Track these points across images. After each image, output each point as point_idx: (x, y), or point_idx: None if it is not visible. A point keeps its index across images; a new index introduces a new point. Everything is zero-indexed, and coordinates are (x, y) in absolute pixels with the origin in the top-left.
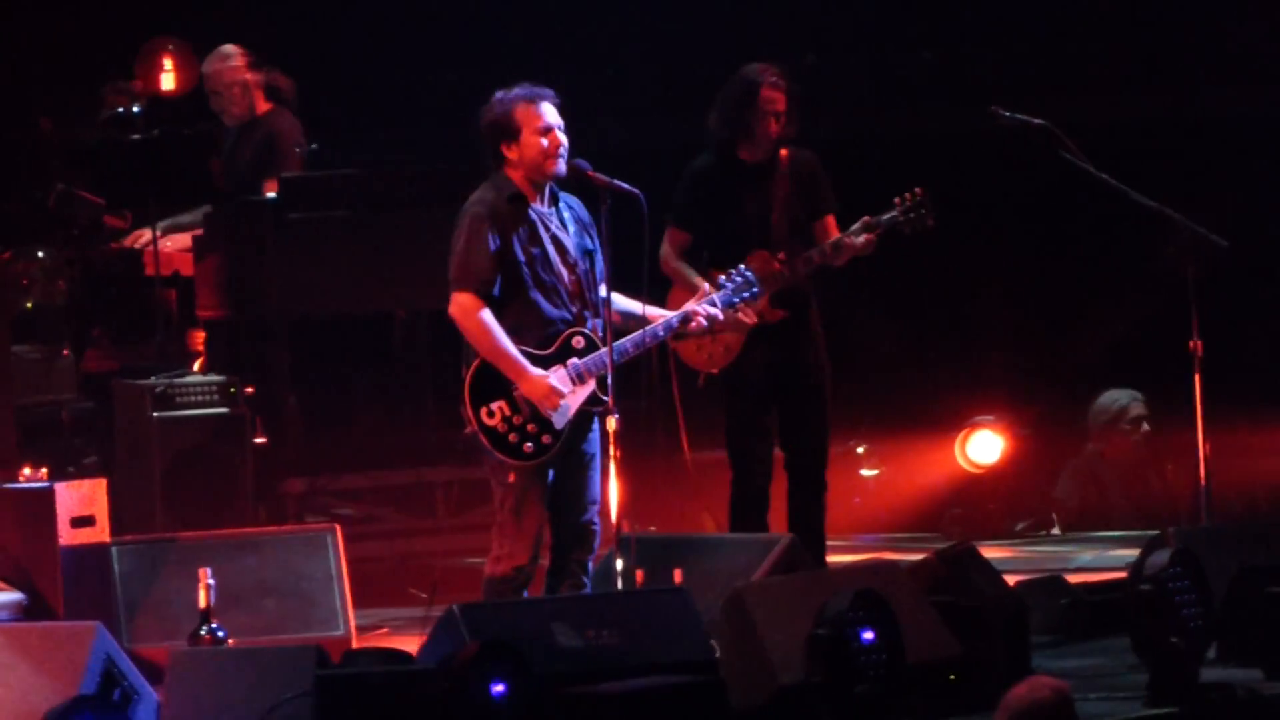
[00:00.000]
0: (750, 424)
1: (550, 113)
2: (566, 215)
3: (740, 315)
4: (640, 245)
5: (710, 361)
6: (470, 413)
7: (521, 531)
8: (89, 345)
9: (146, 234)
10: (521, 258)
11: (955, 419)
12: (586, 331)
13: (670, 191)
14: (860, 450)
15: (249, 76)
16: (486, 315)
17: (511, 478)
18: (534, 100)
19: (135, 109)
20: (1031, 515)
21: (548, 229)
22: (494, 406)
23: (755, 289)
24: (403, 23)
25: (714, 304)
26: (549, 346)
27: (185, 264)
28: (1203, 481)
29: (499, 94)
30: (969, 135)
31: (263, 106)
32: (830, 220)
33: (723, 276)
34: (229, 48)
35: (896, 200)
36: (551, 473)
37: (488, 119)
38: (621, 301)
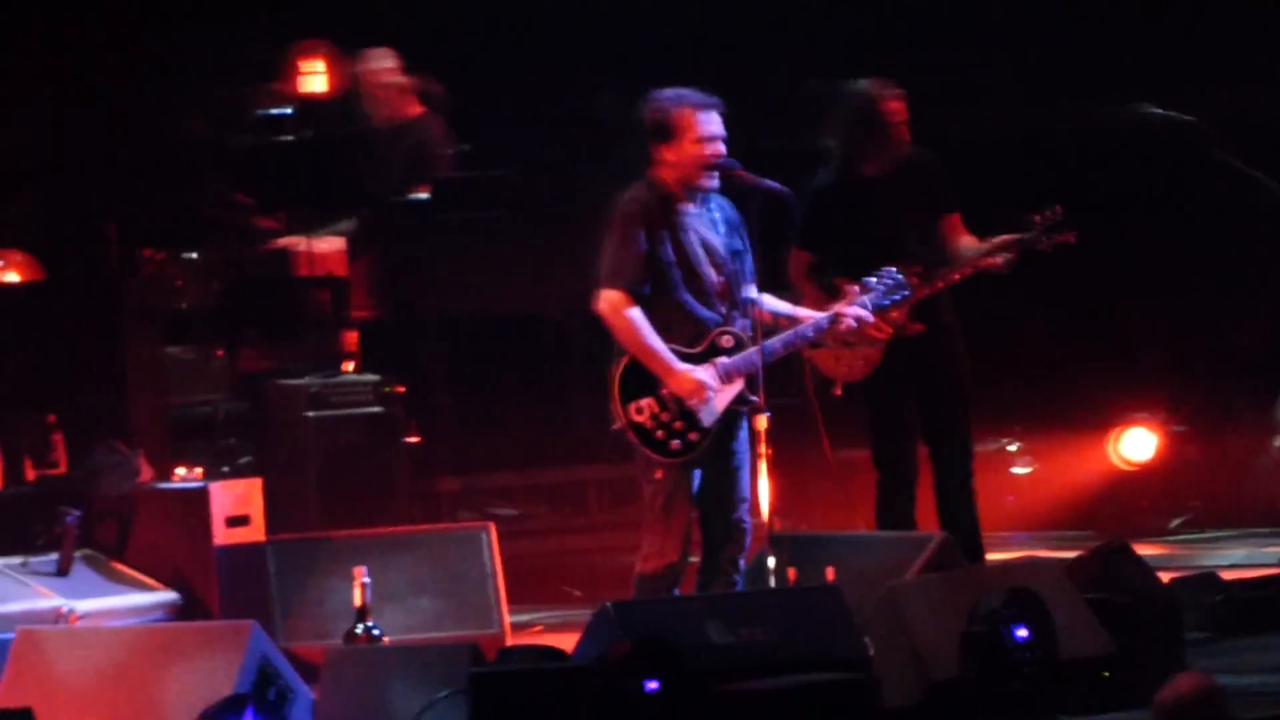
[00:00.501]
0: (892, 423)
1: (715, 122)
2: (717, 215)
3: (873, 331)
4: (788, 244)
5: (849, 374)
6: (618, 409)
7: (670, 528)
8: (243, 346)
9: (299, 235)
10: (671, 258)
11: (1108, 416)
12: (735, 331)
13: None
14: (1013, 448)
15: (402, 79)
16: (635, 312)
17: (659, 474)
18: (701, 107)
19: (287, 111)
20: (1186, 512)
21: (697, 230)
22: (642, 403)
23: (906, 291)
24: (560, 26)
25: (865, 305)
26: (697, 345)
27: (338, 265)
28: None
29: (670, 92)
30: (1118, 130)
31: (413, 110)
32: (956, 219)
33: (872, 279)
34: (381, 50)
35: (1036, 218)
36: (699, 471)
37: (654, 115)
38: (771, 302)
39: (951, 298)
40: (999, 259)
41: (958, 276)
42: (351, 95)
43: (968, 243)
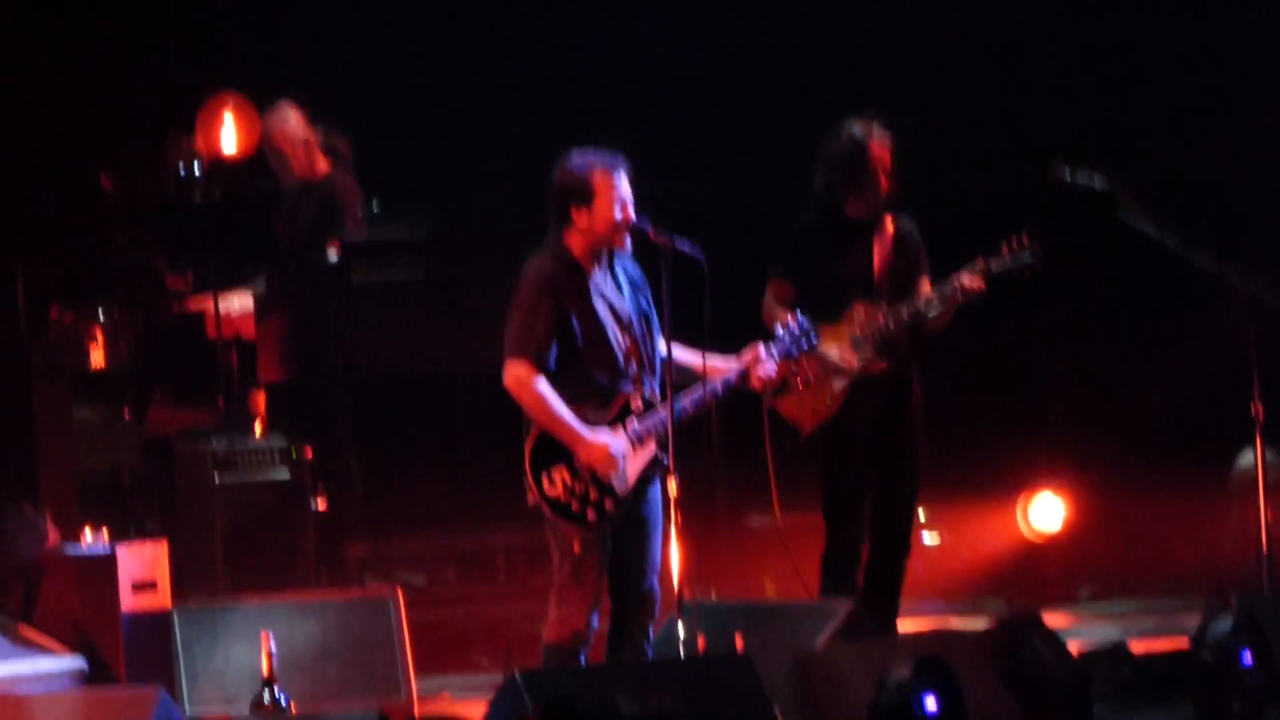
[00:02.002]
0: (851, 481)
1: (625, 184)
2: (621, 278)
3: (840, 358)
4: (700, 304)
5: (815, 416)
6: (532, 482)
7: (581, 595)
8: (150, 407)
9: (207, 296)
10: (578, 329)
11: (1016, 484)
12: (645, 394)
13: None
14: (921, 516)
15: (309, 135)
16: (542, 384)
17: (577, 548)
18: (612, 169)
19: (197, 168)
20: (1093, 581)
21: (604, 297)
22: (554, 474)
23: (813, 337)
24: (461, 82)
25: (772, 355)
26: (607, 410)
27: (247, 326)
28: (1264, 547)
29: (575, 155)
30: (1030, 193)
31: (322, 166)
32: (925, 280)
33: (779, 327)
34: (286, 105)
35: (1004, 245)
36: (610, 537)
37: (562, 179)
38: (681, 353)
39: (921, 373)
40: (968, 282)
41: (921, 305)
42: (261, 151)
43: (925, 294)
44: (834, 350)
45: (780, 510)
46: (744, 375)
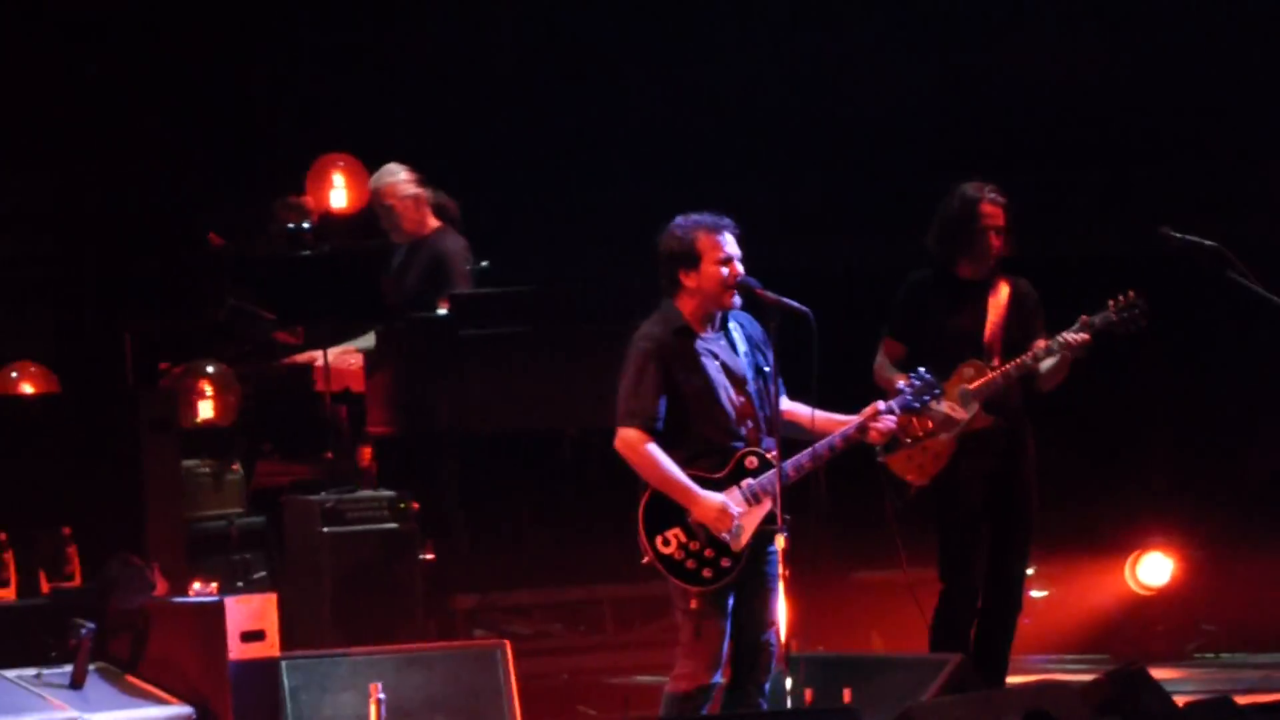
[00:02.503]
0: (967, 539)
1: (731, 243)
2: (737, 335)
3: (948, 410)
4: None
5: (921, 472)
6: (646, 543)
7: (703, 651)
8: (259, 460)
9: (318, 352)
10: (690, 391)
11: (1125, 540)
12: (760, 451)
13: (840, 310)
14: (1030, 571)
15: (419, 193)
16: (651, 447)
17: (694, 604)
18: (716, 230)
19: (306, 225)
20: (1202, 637)
21: (715, 357)
22: (669, 535)
23: (937, 390)
24: (574, 138)
25: (892, 410)
26: (722, 470)
27: (356, 380)
28: None
29: (679, 220)
30: (1137, 256)
31: (431, 224)
32: (1041, 342)
33: (901, 381)
34: (396, 165)
35: (1110, 301)
36: (732, 593)
37: (668, 245)
38: (793, 410)
39: (1028, 414)
40: (1075, 337)
41: (1031, 361)
42: (370, 209)
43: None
44: (941, 405)
45: (906, 564)
46: (862, 429)
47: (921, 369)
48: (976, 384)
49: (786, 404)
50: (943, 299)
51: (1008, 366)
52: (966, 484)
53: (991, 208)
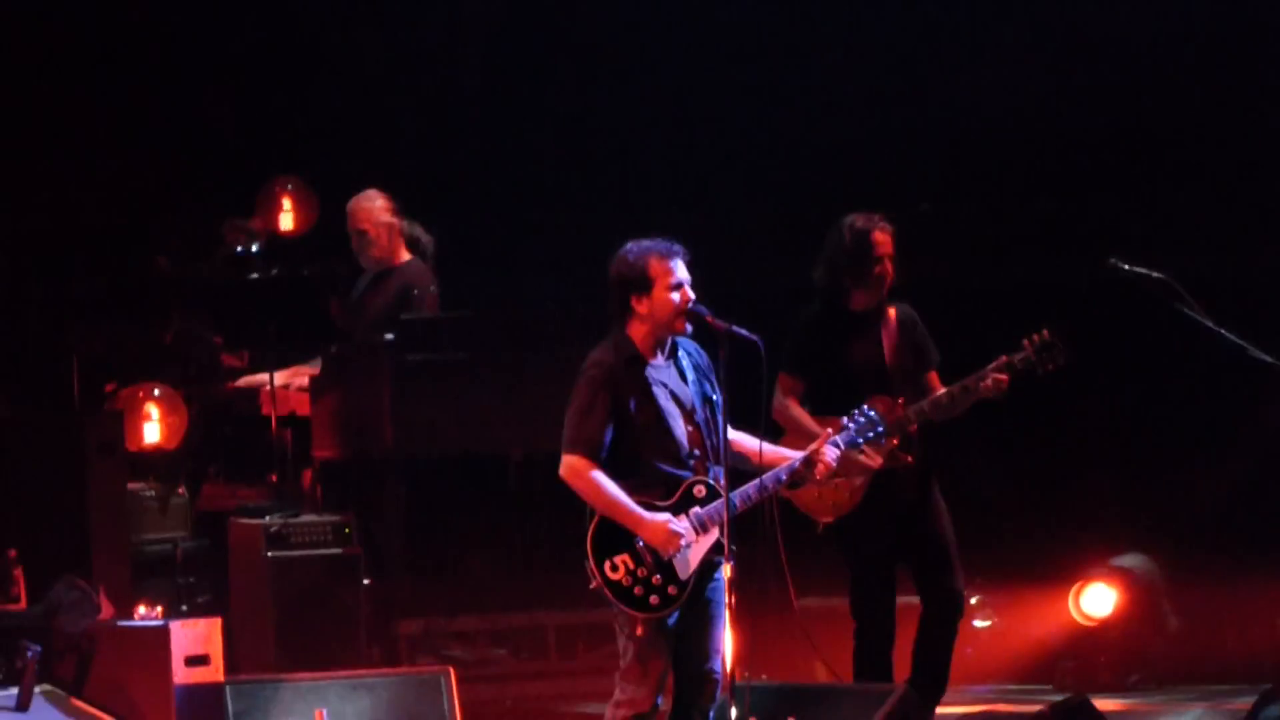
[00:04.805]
0: (879, 575)
1: (682, 269)
2: (685, 363)
3: (864, 458)
4: (759, 390)
5: (835, 509)
6: (594, 569)
7: (645, 677)
8: (205, 483)
9: (264, 375)
10: (639, 419)
11: (1069, 571)
12: (708, 481)
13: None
14: (973, 601)
15: (394, 222)
16: (596, 474)
17: (639, 631)
18: (668, 255)
19: (254, 248)
20: (1144, 668)
21: (665, 386)
22: (617, 560)
23: (880, 428)
24: (523, 163)
25: (837, 445)
26: (669, 498)
27: (301, 404)
28: None
29: (631, 245)
30: (1080, 285)
31: (402, 255)
32: (934, 375)
33: (846, 418)
34: (374, 192)
35: (1025, 341)
36: (675, 619)
37: (619, 270)
38: (740, 440)
39: (929, 447)
40: (990, 381)
41: (946, 400)
42: (318, 233)
43: (948, 388)
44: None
45: (797, 598)
46: (809, 463)
47: (866, 407)
48: (889, 423)
49: (733, 434)
50: (838, 332)
51: (924, 407)
52: (879, 524)
53: (883, 235)
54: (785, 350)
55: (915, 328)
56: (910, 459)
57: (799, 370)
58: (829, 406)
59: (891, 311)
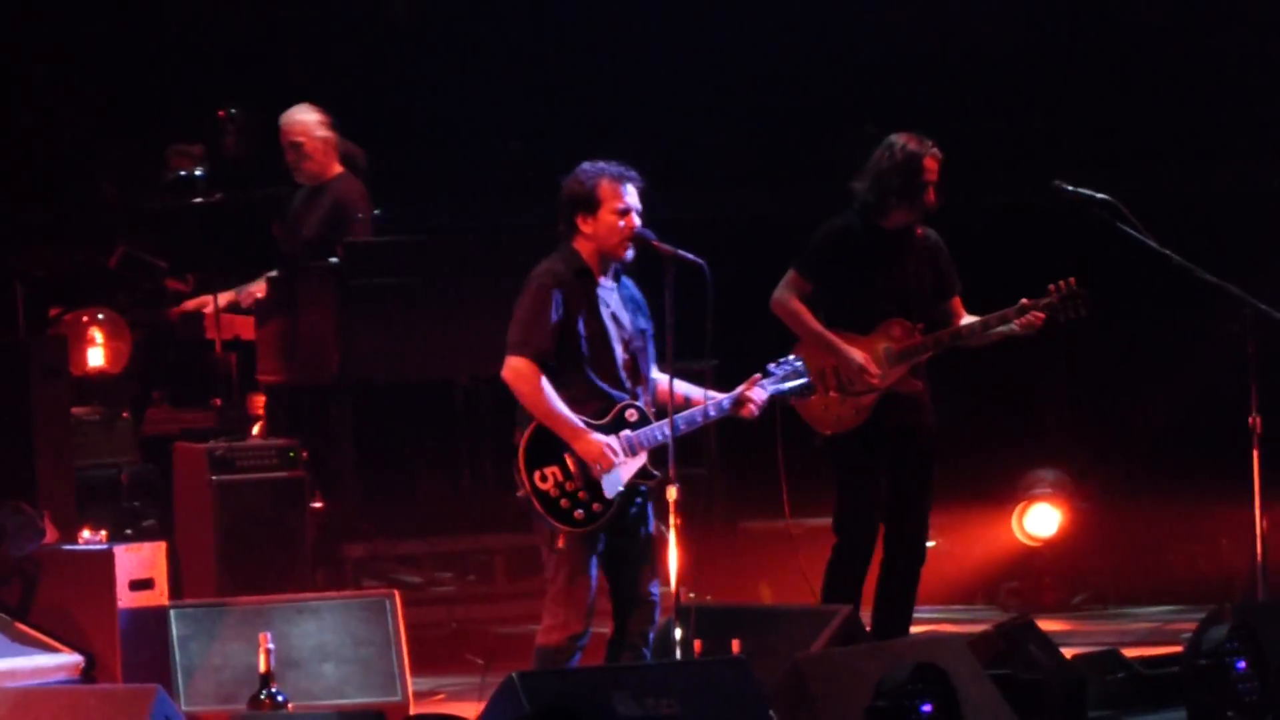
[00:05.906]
0: (867, 492)
1: (632, 195)
2: (625, 294)
3: (871, 379)
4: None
5: (837, 423)
6: (524, 476)
7: (573, 599)
8: (150, 408)
9: (208, 298)
10: (583, 332)
11: (1013, 491)
12: (640, 405)
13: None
14: None
15: (328, 136)
16: (542, 380)
17: (561, 543)
18: (620, 180)
19: (198, 172)
20: (1089, 588)
21: (609, 306)
22: (547, 471)
23: (804, 380)
24: (470, 89)
25: (764, 389)
26: (603, 418)
27: (246, 328)
28: (1260, 557)
29: (586, 165)
30: (1028, 208)
31: (335, 169)
32: (958, 300)
33: (772, 364)
34: (307, 105)
35: (1051, 287)
36: (603, 543)
37: (570, 189)
38: (675, 383)
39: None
40: (1028, 318)
41: (966, 333)
42: (263, 156)
43: (969, 320)
44: (860, 359)
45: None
46: (737, 403)
47: (792, 357)
48: (904, 347)
49: (656, 374)
50: (868, 250)
51: (944, 337)
52: (877, 441)
53: (933, 163)
54: (805, 250)
55: (941, 253)
56: (921, 385)
57: (812, 274)
58: (848, 322)
59: (920, 234)
